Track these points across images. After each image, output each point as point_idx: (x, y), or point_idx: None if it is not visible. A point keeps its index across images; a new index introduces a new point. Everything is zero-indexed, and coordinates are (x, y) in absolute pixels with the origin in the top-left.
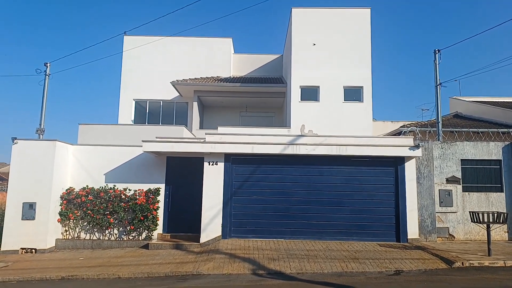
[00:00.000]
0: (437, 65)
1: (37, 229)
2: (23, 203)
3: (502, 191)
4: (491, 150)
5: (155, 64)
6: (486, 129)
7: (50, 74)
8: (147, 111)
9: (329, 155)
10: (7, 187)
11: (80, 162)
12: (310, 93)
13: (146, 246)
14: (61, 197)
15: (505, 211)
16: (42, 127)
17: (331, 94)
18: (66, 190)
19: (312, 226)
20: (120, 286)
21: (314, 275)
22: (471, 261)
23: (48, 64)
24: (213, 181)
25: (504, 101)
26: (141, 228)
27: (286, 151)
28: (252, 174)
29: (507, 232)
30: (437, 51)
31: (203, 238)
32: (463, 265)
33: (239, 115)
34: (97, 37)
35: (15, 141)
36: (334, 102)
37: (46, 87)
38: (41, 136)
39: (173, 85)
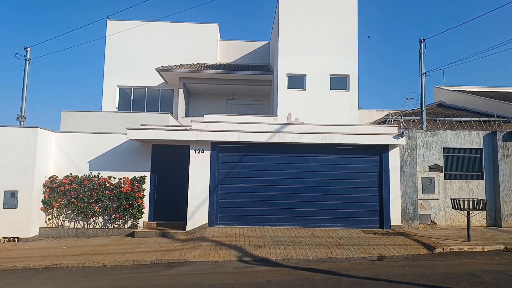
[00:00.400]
0: (422, 54)
1: (20, 218)
2: (4, 191)
3: (482, 179)
4: (473, 139)
5: (140, 50)
6: (468, 118)
7: (30, 59)
8: (132, 98)
9: (315, 144)
10: None
11: (63, 149)
12: (297, 81)
13: (131, 234)
14: (44, 185)
15: (484, 198)
16: (23, 113)
17: (318, 82)
18: (49, 178)
19: (298, 213)
20: (105, 274)
21: (299, 262)
22: (451, 247)
23: (29, 49)
24: (199, 169)
25: (486, 91)
26: (126, 216)
27: (273, 139)
28: (238, 162)
29: (486, 218)
30: (422, 40)
31: (190, 226)
32: (443, 250)
33: (226, 103)
34: (80, 21)
35: None
36: (321, 90)
37: (27, 73)
38: (22, 123)
39: (158, 72)
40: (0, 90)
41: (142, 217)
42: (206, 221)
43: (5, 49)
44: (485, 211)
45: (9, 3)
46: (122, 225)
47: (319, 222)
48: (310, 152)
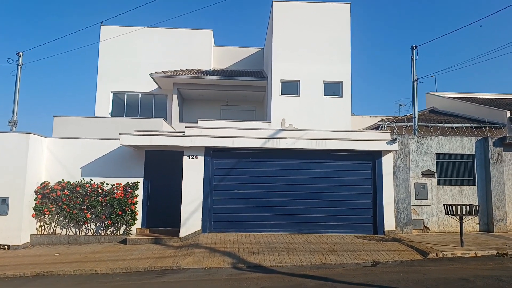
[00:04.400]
0: (414, 61)
1: (10, 225)
2: None
3: (474, 184)
4: (465, 145)
5: (134, 55)
6: (460, 124)
7: (23, 64)
8: (125, 103)
9: (308, 149)
10: None
11: (55, 155)
12: (290, 87)
13: (124, 241)
14: (36, 192)
15: (477, 203)
16: (15, 119)
17: (311, 88)
18: (41, 184)
19: (292, 219)
20: (97, 282)
21: (293, 268)
22: (444, 252)
23: (21, 54)
24: (193, 175)
25: (477, 97)
26: (119, 223)
27: (267, 145)
28: (232, 168)
29: (478, 223)
30: (414, 47)
31: (183, 233)
32: (437, 256)
33: (220, 108)
34: (73, 26)
35: None
36: (314, 96)
37: (19, 78)
38: (13, 128)
39: (152, 77)
40: None
41: (135, 224)
42: (200, 228)
43: None
44: (477, 217)
45: (1, 8)
46: (114, 232)
47: (313, 228)
48: (304, 157)
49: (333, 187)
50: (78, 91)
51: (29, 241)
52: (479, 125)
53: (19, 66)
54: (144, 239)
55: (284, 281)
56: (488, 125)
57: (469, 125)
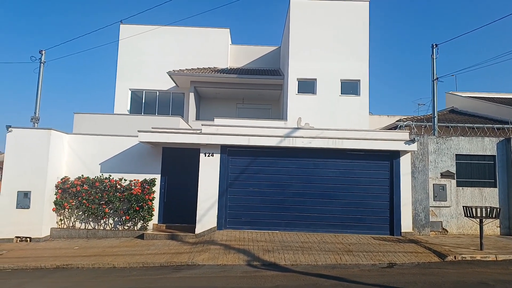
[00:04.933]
0: (434, 59)
1: (32, 218)
2: (17, 191)
3: (495, 186)
4: (486, 146)
5: (152, 53)
6: (481, 125)
7: (45, 61)
8: (143, 101)
9: (325, 148)
10: (1, 175)
11: (75, 151)
12: (307, 86)
13: (141, 236)
14: (56, 186)
15: (498, 206)
16: (37, 115)
17: (328, 87)
18: (61, 179)
19: (307, 218)
20: (115, 276)
21: (308, 267)
22: (463, 255)
23: (43, 52)
24: (209, 172)
25: (499, 97)
26: (136, 218)
27: (282, 143)
28: (248, 166)
29: (499, 227)
30: (434, 46)
31: (198, 229)
32: (455, 258)
33: (236, 106)
34: (94, 25)
35: (10, 129)
36: (331, 95)
37: (41, 75)
38: (35, 124)
39: (170, 75)
40: (15, 92)
41: (151, 219)
42: (215, 225)
43: (20, 52)
44: (498, 220)
45: (25, 7)
46: (132, 227)
47: (329, 228)
48: (320, 157)
49: (350, 187)
50: (98, 89)
51: (49, 234)
52: (501, 125)
53: (42, 64)
54: (161, 234)
55: (298, 280)
56: (511, 125)
57: (491, 125)
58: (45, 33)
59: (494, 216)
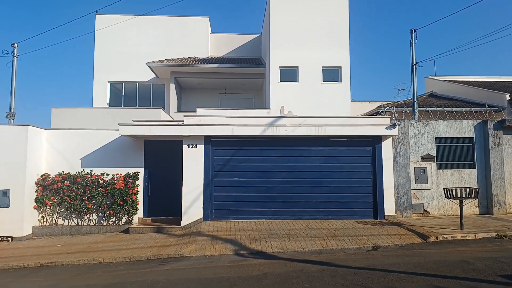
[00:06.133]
0: (413, 45)
1: (13, 217)
2: None
3: (474, 168)
4: (464, 128)
5: (130, 44)
6: (460, 108)
7: (18, 55)
8: (123, 93)
9: (308, 136)
10: None
11: (55, 147)
12: (289, 74)
13: (126, 231)
14: (36, 184)
15: (476, 186)
16: (12, 111)
17: (310, 75)
18: (41, 176)
19: (292, 206)
20: (101, 271)
21: (295, 254)
22: (444, 235)
23: (16, 45)
24: (193, 164)
25: (477, 81)
26: (120, 213)
27: (266, 132)
28: (232, 156)
29: (478, 206)
30: (413, 31)
31: (185, 221)
32: (437, 239)
33: (218, 97)
34: (68, 16)
35: None
36: (313, 83)
37: (15, 69)
38: (11, 120)
39: (149, 66)
40: None
41: (136, 213)
42: (201, 216)
43: None
44: (477, 200)
45: None
46: (116, 221)
47: (314, 214)
48: (304, 144)
49: (334, 173)
50: (75, 82)
51: (31, 232)
52: (478, 108)
53: (15, 58)
54: (146, 228)
55: (286, 266)
56: (488, 108)
57: (469, 108)
58: (17, 27)
59: (473, 197)
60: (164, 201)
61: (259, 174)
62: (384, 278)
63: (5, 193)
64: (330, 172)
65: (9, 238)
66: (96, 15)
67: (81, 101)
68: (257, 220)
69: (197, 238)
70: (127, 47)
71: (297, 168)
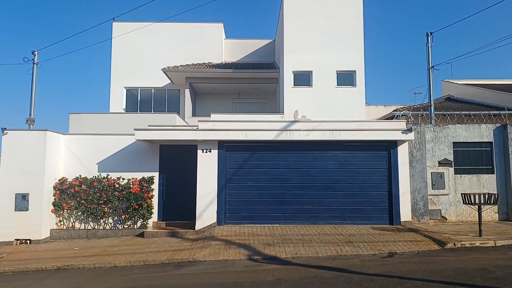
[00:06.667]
0: (430, 48)
1: (31, 220)
2: (15, 194)
3: (493, 173)
4: (483, 133)
5: (146, 51)
6: (478, 112)
7: (38, 62)
8: (139, 99)
9: (322, 140)
10: None
11: (72, 151)
12: (303, 78)
13: (141, 235)
14: (54, 188)
15: (495, 192)
16: (32, 117)
17: (324, 79)
18: (59, 180)
19: (306, 211)
20: (116, 275)
21: (309, 259)
22: (462, 242)
23: (36, 53)
24: (207, 168)
25: (495, 84)
26: (136, 217)
27: (280, 137)
28: (246, 160)
29: (498, 212)
30: (429, 34)
31: (198, 225)
32: (455, 246)
33: (232, 101)
34: (86, 24)
35: (5, 131)
36: (327, 87)
37: (35, 76)
38: (31, 126)
39: (164, 72)
40: (9, 94)
41: (151, 217)
42: (215, 220)
43: (13, 54)
44: (496, 206)
45: (16, 8)
46: (131, 225)
47: (328, 220)
48: (318, 149)
49: (348, 178)
50: (93, 88)
51: (49, 235)
52: (497, 112)
53: (35, 65)
54: (161, 232)
55: (300, 272)
56: (507, 112)
57: (487, 112)
58: (37, 35)
59: (492, 202)
60: (179, 205)
61: (273, 179)
62: (401, 286)
63: (24, 196)
64: (345, 177)
65: (28, 241)
66: (113, 23)
67: (98, 106)
68: (271, 225)
69: (211, 242)
70: (143, 53)
71: (311, 173)
